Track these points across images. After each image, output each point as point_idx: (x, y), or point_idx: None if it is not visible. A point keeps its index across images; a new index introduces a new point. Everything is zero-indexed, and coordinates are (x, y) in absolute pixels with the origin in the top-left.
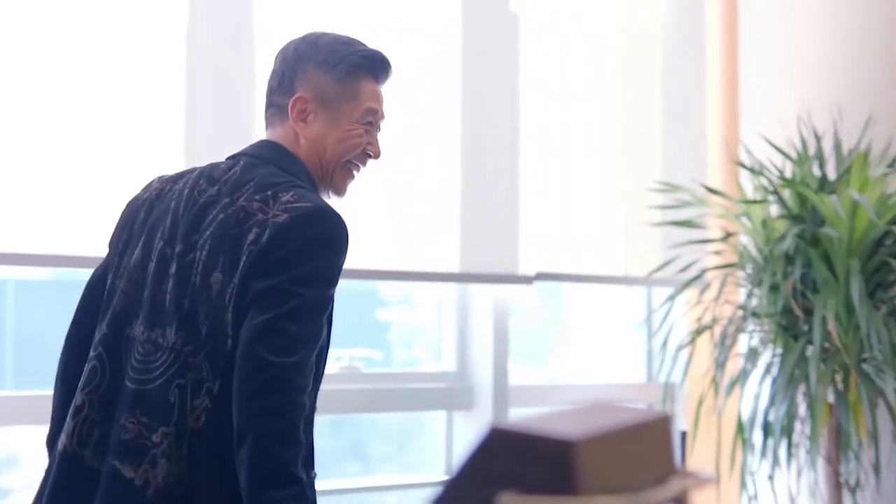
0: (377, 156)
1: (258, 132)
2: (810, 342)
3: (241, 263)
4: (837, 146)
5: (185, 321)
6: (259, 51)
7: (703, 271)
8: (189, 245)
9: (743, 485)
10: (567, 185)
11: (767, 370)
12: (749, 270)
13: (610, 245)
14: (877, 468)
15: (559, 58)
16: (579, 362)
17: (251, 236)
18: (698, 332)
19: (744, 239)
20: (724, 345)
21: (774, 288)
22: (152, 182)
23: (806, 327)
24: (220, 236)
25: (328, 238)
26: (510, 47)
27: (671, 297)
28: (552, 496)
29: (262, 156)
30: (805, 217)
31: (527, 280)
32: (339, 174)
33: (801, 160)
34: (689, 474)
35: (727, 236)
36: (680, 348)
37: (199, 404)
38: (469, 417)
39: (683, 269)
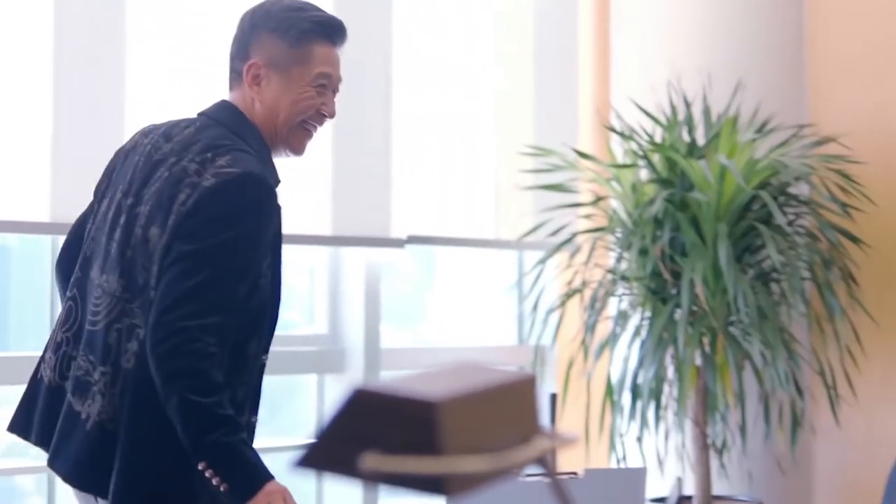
0: (332, 115)
1: (129, 120)
2: (678, 305)
3: (170, 223)
4: (706, 112)
5: (126, 270)
6: (130, 39)
7: (574, 235)
8: (138, 199)
9: (612, 446)
10: (439, 148)
11: (636, 333)
12: (619, 234)
13: (482, 208)
14: (743, 429)
15: (432, 22)
16: (451, 325)
17: (182, 197)
18: (568, 295)
19: (614, 203)
20: (594, 308)
21: (644, 252)
22: (135, 134)
23: (674, 291)
24: (161, 193)
25: (250, 204)
26: (383, 11)
27: (542, 261)
28: (415, 456)
29: (218, 117)
30: (674, 181)
31: (398, 243)
32: (294, 135)
33: (671, 125)
34: (553, 435)
35: (597, 200)
36: (550, 311)
37: (130, 348)
38: (341, 380)
39: (554, 233)
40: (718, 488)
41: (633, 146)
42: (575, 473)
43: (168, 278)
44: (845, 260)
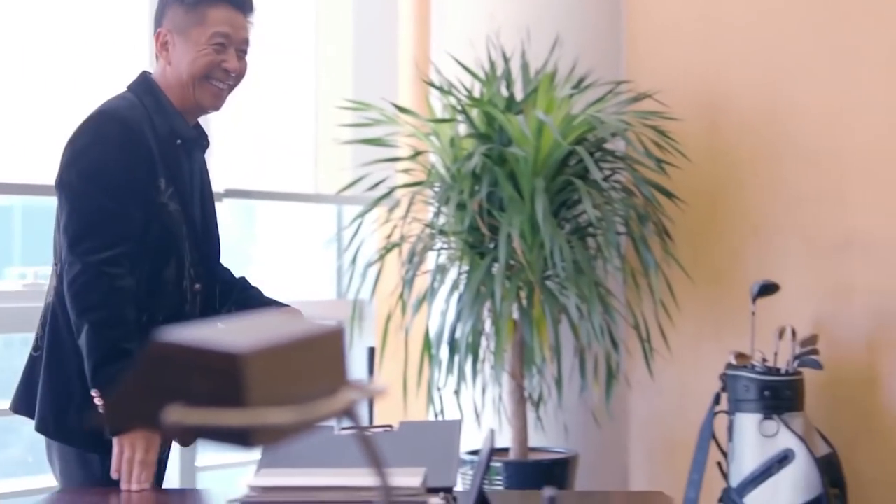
0: (236, 71)
1: None
2: (496, 260)
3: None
4: (525, 67)
5: (57, 218)
6: None
7: (393, 189)
8: None
9: (430, 400)
10: (258, 102)
11: (454, 287)
12: (437, 189)
13: (301, 162)
14: (559, 382)
15: None
16: (271, 279)
17: None
18: (387, 249)
19: (433, 157)
20: (413, 262)
21: (462, 206)
22: None
23: (492, 245)
24: None
25: (99, 136)
26: None
27: (361, 215)
28: (220, 408)
29: (130, 85)
30: (492, 136)
31: (216, 197)
32: (200, 91)
33: (490, 80)
34: (360, 386)
35: (416, 155)
36: (369, 266)
37: (51, 283)
38: None
39: (373, 187)
40: (535, 440)
41: (452, 101)
42: (390, 426)
43: (64, 218)
44: (660, 215)
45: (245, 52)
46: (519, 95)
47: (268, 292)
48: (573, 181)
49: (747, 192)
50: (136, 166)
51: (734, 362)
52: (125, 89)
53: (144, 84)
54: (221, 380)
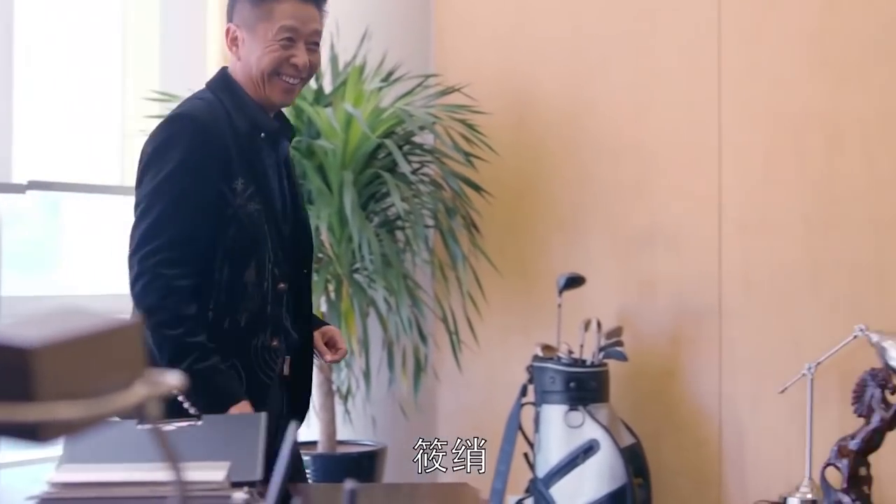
0: (304, 67)
1: None
2: None
3: None
4: (334, 60)
5: None
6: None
7: None
8: None
9: None
10: (62, 91)
11: None
12: None
13: (107, 154)
14: (367, 375)
15: None
16: (79, 272)
17: None
18: None
19: None
20: None
21: None
22: None
23: None
24: None
25: (169, 139)
26: None
27: None
28: (8, 403)
29: (208, 82)
30: (301, 129)
31: (19, 189)
32: (269, 87)
33: None
34: (156, 380)
35: None
36: None
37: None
38: None
39: None
40: (343, 433)
41: None
42: (196, 420)
43: (132, 224)
44: (468, 208)
45: (317, 45)
46: (328, 88)
47: None
48: (381, 174)
49: (554, 186)
50: (207, 170)
51: (541, 354)
52: (204, 87)
53: (222, 81)
54: (9, 374)
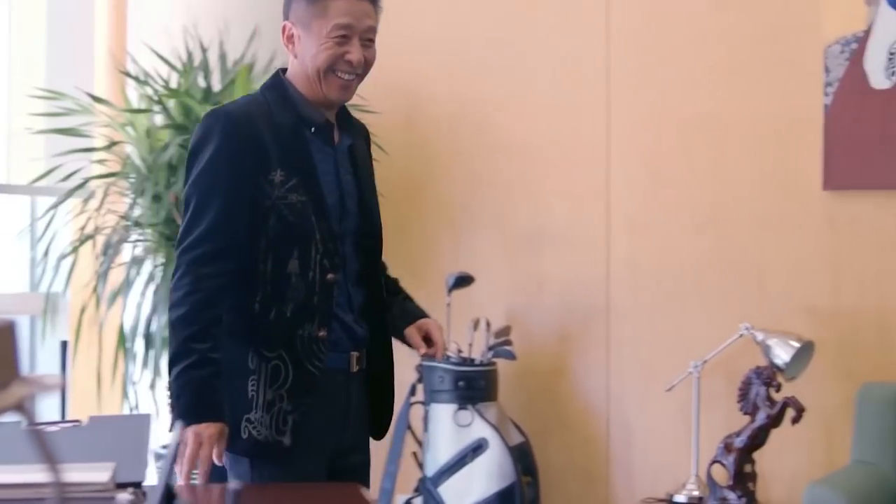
0: (359, 63)
1: None
2: None
3: None
4: (223, 58)
5: None
6: None
7: (87, 180)
8: None
9: (125, 394)
10: None
11: (150, 280)
12: (133, 180)
13: None
14: None
15: None
16: None
17: None
18: (81, 241)
19: (128, 148)
20: (107, 255)
21: (157, 198)
22: None
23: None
24: None
25: (205, 136)
26: None
27: (54, 206)
28: None
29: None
30: (189, 127)
31: None
32: (325, 84)
33: (187, 71)
34: (33, 381)
35: (111, 145)
36: (62, 258)
37: None
38: None
39: (67, 178)
40: None
41: (149, 91)
42: (78, 421)
43: None
44: None
45: (371, 41)
46: (217, 86)
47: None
48: None
49: (443, 186)
50: (241, 162)
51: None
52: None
53: (272, 80)
54: None
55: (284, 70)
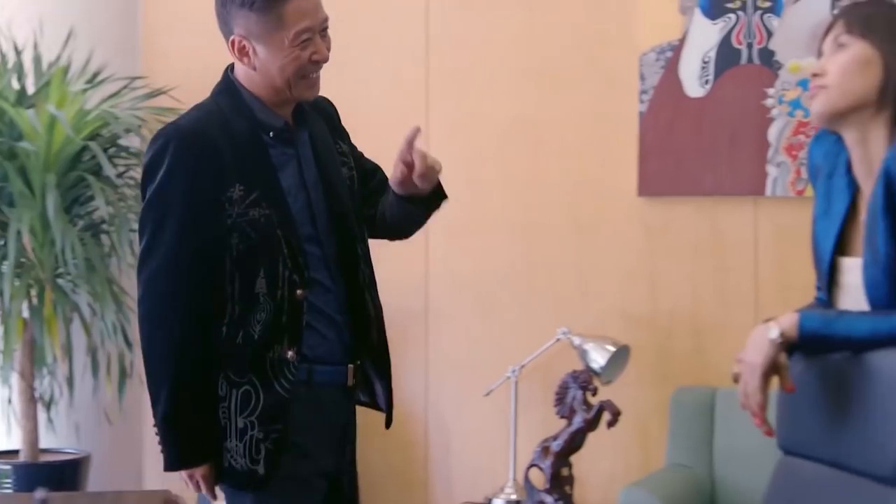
0: (324, 60)
1: None
2: (5, 257)
3: None
4: (37, 60)
5: None
6: None
7: None
8: None
9: None
10: None
11: None
12: None
13: None
14: (70, 382)
15: None
16: None
17: None
18: None
19: None
20: None
21: None
22: None
23: (1, 242)
24: None
25: (153, 158)
26: None
27: None
28: None
29: (215, 86)
30: (2, 131)
31: None
32: (296, 88)
33: (0, 73)
34: None
35: None
36: None
37: None
38: None
39: None
40: (47, 441)
41: None
42: None
43: None
44: None
45: (327, 28)
46: (31, 89)
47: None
48: (86, 177)
49: None
50: (197, 181)
51: None
52: (208, 97)
53: (224, 84)
54: None
55: (232, 67)
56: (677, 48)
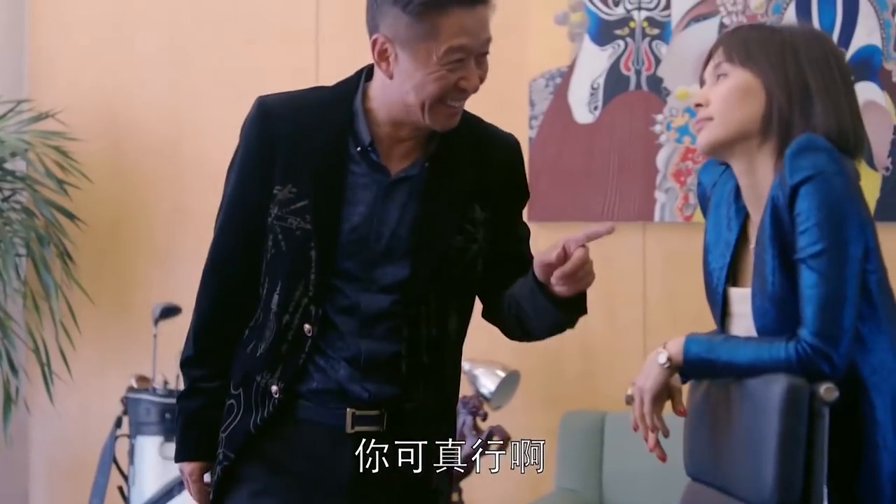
0: (473, 90)
1: None
2: None
3: None
4: None
5: None
6: None
7: None
8: None
9: None
10: None
11: None
12: None
13: None
14: None
15: None
16: None
17: None
18: None
19: None
20: None
21: None
22: None
23: None
24: None
25: (240, 131)
26: None
27: None
28: None
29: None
30: None
31: None
32: (430, 115)
33: None
34: None
35: None
36: None
37: None
38: None
39: None
40: None
41: None
42: None
43: None
44: (61, 237)
45: (486, 54)
46: None
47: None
48: None
49: (151, 214)
50: (250, 167)
51: (135, 385)
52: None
53: (355, 77)
54: None
55: (371, 72)
56: (566, 74)
